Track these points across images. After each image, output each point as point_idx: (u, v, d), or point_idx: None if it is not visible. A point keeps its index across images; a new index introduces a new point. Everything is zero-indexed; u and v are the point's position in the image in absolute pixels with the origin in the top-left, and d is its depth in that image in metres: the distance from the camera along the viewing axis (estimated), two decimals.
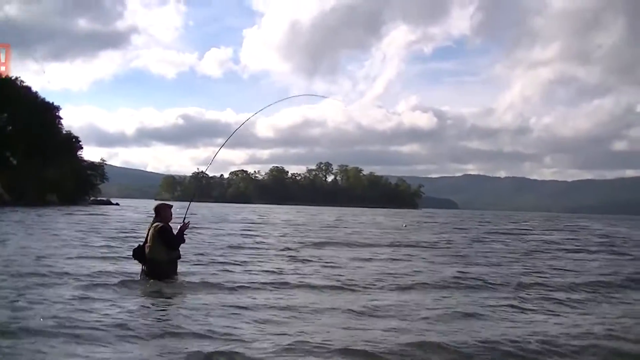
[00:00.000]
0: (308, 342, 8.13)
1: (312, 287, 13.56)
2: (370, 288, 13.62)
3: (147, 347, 7.88)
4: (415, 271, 17.05)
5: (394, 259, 21.03)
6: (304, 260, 19.65)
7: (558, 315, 11.00)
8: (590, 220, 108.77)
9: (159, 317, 9.61)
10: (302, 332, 8.79)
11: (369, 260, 20.56)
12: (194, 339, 8.25)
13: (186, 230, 13.26)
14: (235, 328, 8.93)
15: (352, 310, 10.60)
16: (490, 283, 14.90)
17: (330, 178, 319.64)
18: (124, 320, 9.12)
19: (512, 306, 11.62)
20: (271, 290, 12.94)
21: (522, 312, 11.14)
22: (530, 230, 53.59)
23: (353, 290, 13.23)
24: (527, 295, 13.12)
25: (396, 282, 14.70)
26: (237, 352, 7.50)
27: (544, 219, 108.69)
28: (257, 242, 27.16)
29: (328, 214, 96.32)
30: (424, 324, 9.72)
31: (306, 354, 7.60)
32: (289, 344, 7.98)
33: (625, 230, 61.66)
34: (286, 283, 13.94)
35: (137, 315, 9.66)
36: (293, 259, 20.05)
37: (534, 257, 23.59)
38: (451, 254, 23.55)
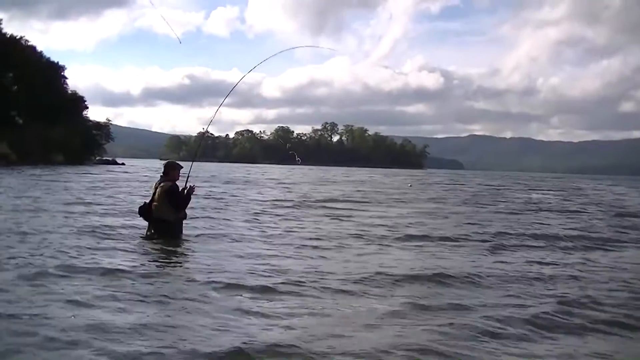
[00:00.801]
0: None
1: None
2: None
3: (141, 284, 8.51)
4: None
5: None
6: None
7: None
8: (592, 181, 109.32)
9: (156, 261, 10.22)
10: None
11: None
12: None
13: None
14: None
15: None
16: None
17: (335, 138, 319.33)
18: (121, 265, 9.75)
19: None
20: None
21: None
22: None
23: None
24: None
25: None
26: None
27: (545, 180, 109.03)
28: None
29: (327, 174, 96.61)
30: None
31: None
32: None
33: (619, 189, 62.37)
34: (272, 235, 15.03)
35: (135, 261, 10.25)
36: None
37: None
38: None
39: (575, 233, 18.09)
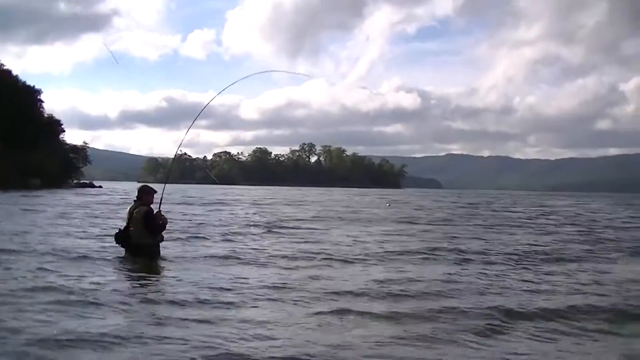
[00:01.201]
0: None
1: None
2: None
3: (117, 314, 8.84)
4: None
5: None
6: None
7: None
8: (567, 199, 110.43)
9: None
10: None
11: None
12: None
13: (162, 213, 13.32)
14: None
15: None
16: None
17: (313, 159, 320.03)
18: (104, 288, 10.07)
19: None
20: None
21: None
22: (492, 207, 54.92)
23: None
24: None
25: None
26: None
27: (515, 198, 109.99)
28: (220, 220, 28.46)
29: (303, 194, 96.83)
30: None
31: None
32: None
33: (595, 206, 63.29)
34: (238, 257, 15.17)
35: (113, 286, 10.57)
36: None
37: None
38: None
39: (530, 249, 18.62)
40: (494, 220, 34.00)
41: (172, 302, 9.28)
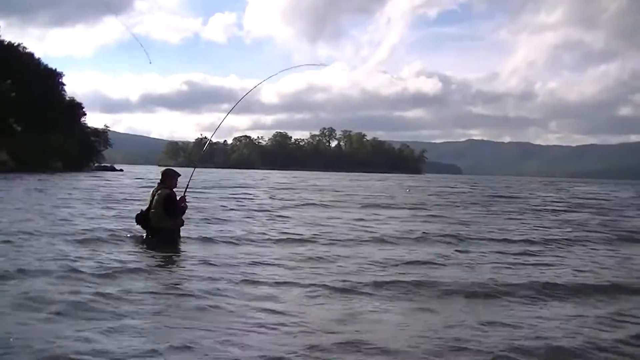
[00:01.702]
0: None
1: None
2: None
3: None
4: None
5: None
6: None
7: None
8: (588, 185, 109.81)
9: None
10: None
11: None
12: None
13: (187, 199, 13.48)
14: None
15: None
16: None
17: (333, 143, 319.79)
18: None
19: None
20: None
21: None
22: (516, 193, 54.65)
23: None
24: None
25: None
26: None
27: (541, 184, 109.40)
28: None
29: (321, 179, 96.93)
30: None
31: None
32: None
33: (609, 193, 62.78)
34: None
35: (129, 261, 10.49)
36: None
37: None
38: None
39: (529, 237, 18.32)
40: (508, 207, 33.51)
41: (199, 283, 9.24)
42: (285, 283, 9.69)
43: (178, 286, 9.17)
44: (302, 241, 15.23)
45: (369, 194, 46.22)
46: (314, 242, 15.12)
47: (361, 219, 22.45)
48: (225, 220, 19.98)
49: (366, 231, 17.99)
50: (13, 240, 12.96)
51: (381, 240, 15.89)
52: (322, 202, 32.76)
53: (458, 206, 33.70)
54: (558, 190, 70.29)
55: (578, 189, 79.23)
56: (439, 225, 20.76)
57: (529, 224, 22.34)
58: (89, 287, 8.70)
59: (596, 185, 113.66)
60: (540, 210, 30.84)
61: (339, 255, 12.88)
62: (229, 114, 16.23)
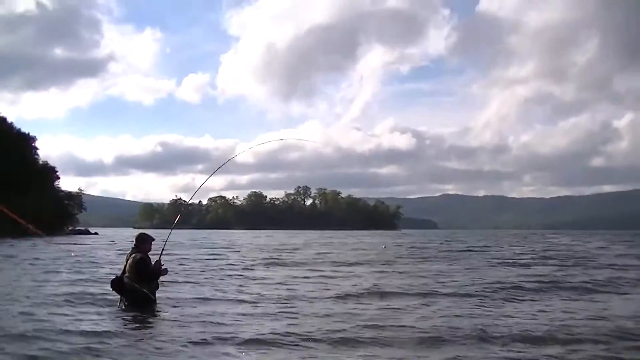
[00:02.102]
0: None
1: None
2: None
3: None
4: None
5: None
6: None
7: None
8: (561, 236, 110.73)
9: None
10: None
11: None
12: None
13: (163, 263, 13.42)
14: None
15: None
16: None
17: (309, 202, 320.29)
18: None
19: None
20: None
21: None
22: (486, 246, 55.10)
23: None
24: None
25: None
26: None
27: (513, 237, 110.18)
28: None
29: (297, 238, 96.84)
30: None
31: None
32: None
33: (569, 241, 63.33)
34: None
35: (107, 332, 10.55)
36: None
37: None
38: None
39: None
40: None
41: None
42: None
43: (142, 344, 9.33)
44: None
45: (340, 252, 46.17)
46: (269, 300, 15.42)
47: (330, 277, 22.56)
48: (195, 281, 20.09)
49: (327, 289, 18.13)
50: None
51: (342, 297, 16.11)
52: (292, 262, 32.80)
53: (427, 261, 33.93)
54: (528, 242, 71.00)
55: (551, 240, 79.72)
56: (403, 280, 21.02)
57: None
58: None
59: (568, 236, 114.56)
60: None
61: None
62: (211, 176, 16.72)
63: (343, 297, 16.02)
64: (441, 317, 12.60)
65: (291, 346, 9.63)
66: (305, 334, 10.51)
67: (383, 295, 16.61)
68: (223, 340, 9.94)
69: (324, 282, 20.19)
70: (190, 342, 9.73)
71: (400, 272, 24.57)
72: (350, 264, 30.19)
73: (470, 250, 47.10)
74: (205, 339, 9.93)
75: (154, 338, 10.14)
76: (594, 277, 21.90)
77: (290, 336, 10.30)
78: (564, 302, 15.64)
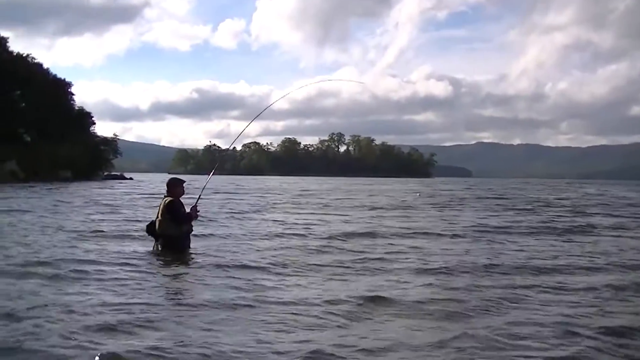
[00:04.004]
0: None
1: None
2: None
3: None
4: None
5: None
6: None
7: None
8: (591, 185, 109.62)
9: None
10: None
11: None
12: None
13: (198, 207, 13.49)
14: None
15: None
16: None
17: (342, 148, 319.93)
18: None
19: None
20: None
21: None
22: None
23: None
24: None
25: None
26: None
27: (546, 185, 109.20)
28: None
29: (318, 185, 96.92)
30: None
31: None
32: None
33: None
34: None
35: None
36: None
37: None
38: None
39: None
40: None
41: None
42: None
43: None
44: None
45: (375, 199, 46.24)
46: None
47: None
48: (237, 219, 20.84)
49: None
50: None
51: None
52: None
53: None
54: (558, 190, 70.66)
55: (581, 189, 78.83)
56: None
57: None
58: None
59: (601, 185, 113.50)
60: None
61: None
62: (250, 124, 16.81)
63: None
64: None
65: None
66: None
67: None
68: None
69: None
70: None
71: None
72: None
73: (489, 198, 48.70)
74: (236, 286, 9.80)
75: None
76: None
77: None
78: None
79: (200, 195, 13.90)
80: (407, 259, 13.33)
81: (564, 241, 17.39)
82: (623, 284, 10.53)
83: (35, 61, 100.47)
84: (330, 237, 17.06)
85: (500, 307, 8.59)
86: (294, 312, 8.08)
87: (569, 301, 9.12)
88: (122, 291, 9.26)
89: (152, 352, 6.19)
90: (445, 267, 11.96)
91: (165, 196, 13.39)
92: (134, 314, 7.76)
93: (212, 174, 15.94)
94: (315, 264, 12.35)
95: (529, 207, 35.61)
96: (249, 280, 10.43)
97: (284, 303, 8.59)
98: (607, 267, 12.68)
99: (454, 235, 18.23)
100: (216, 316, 7.82)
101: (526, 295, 9.42)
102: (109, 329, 7.06)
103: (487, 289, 9.88)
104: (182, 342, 6.60)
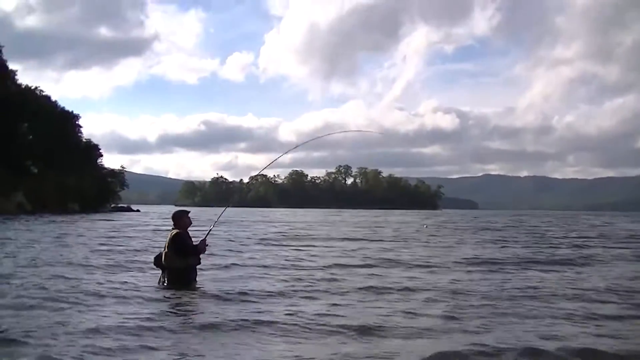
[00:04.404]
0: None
1: None
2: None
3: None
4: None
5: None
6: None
7: None
8: (598, 217, 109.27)
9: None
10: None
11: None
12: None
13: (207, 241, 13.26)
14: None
15: None
16: None
17: (349, 181, 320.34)
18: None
19: None
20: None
21: None
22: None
23: None
24: None
25: None
26: None
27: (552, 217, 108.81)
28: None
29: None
30: None
31: None
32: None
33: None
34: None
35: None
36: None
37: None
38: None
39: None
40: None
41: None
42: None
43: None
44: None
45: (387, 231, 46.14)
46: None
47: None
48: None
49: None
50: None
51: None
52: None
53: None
54: (565, 223, 70.54)
55: (586, 221, 78.61)
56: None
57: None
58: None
59: (608, 217, 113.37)
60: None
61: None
62: (269, 164, 16.71)
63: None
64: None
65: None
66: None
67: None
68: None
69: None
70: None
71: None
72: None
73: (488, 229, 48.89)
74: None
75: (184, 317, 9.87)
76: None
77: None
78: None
79: (210, 230, 13.56)
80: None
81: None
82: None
83: (44, 93, 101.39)
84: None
85: None
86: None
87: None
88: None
89: None
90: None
91: (172, 228, 13.15)
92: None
93: (226, 208, 15.74)
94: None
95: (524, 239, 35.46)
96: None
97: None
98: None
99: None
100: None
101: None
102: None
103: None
104: None
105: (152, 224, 50.48)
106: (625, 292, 13.38)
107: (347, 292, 12.89)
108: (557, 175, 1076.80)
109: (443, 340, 8.42)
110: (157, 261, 13.18)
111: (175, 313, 10.25)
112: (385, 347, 8.03)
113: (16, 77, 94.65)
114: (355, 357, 7.45)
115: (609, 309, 11.09)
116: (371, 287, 13.40)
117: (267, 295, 12.30)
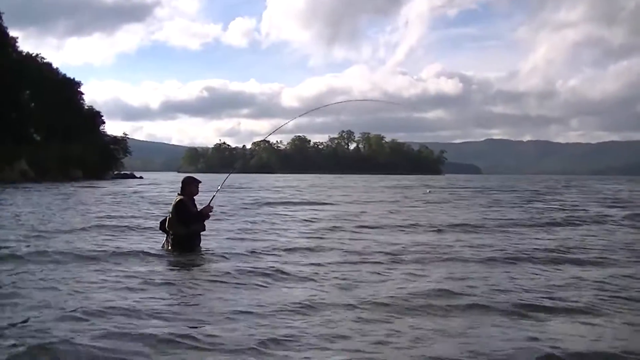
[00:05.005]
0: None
1: None
2: None
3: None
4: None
5: None
6: None
7: None
8: (602, 182, 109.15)
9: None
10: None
11: None
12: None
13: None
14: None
15: None
16: None
17: (352, 146, 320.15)
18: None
19: None
20: None
21: None
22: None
23: None
24: None
25: None
26: None
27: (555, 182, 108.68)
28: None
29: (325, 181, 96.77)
30: None
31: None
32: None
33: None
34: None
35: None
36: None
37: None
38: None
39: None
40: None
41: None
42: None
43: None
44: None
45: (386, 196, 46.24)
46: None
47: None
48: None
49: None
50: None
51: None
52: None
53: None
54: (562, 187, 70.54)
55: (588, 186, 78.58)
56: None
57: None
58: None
59: (612, 182, 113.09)
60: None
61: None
62: (273, 133, 16.50)
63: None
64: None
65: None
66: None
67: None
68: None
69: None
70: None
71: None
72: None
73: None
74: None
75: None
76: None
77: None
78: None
79: (214, 196, 13.41)
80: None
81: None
82: None
83: (45, 61, 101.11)
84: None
85: None
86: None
87: None
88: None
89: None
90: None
91: (178, 194, 13.16)
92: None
93: (230, 173, 15.74)
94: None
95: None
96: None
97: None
98: None
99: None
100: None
101: None
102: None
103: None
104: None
105: (155, 191, 50.55)
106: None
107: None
108: (561, 140, 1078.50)
109: None
110: (162, 225, 13.25)
111: (178, 269, 10.91)
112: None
113: (17, 44, 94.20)
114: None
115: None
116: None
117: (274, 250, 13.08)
